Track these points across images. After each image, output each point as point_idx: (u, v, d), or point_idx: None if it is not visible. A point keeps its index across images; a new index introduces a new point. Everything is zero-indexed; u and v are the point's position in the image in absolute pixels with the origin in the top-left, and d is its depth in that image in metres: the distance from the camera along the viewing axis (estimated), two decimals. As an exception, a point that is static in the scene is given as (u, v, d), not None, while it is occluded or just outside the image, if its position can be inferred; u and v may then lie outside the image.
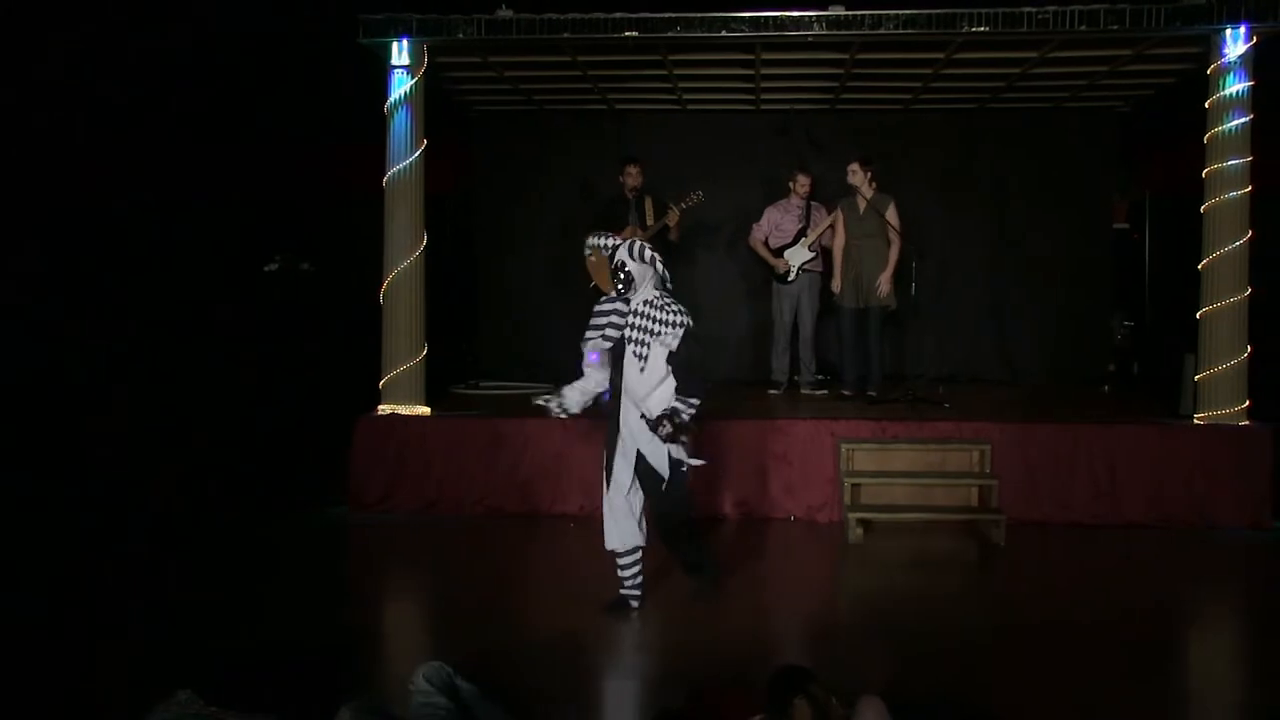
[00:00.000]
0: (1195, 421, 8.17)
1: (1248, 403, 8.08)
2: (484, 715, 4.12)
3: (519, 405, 9.23)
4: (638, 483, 5.78)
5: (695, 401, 5.58)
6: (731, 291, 11.03)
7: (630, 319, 5.71)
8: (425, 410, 8.53)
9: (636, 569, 5.95)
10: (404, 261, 8.42)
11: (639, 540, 5.86)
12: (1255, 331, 8.14)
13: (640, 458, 5.73)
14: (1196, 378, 8.25)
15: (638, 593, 5.99)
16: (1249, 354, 8.06)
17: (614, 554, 5.93)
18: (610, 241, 5.88)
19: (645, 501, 5.84)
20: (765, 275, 10.05)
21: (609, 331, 5.75)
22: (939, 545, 7.54)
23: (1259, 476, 7.83)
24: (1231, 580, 7.08)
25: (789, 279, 9.70)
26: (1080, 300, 10.86)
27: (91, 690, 4.76)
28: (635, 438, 5.71)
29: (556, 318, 10.96)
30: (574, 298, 10.04)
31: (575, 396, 5.99)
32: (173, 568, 6.85)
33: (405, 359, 8.47)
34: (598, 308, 5.87)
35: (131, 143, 11.01)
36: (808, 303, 9.72)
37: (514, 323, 11.20)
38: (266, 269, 12.11)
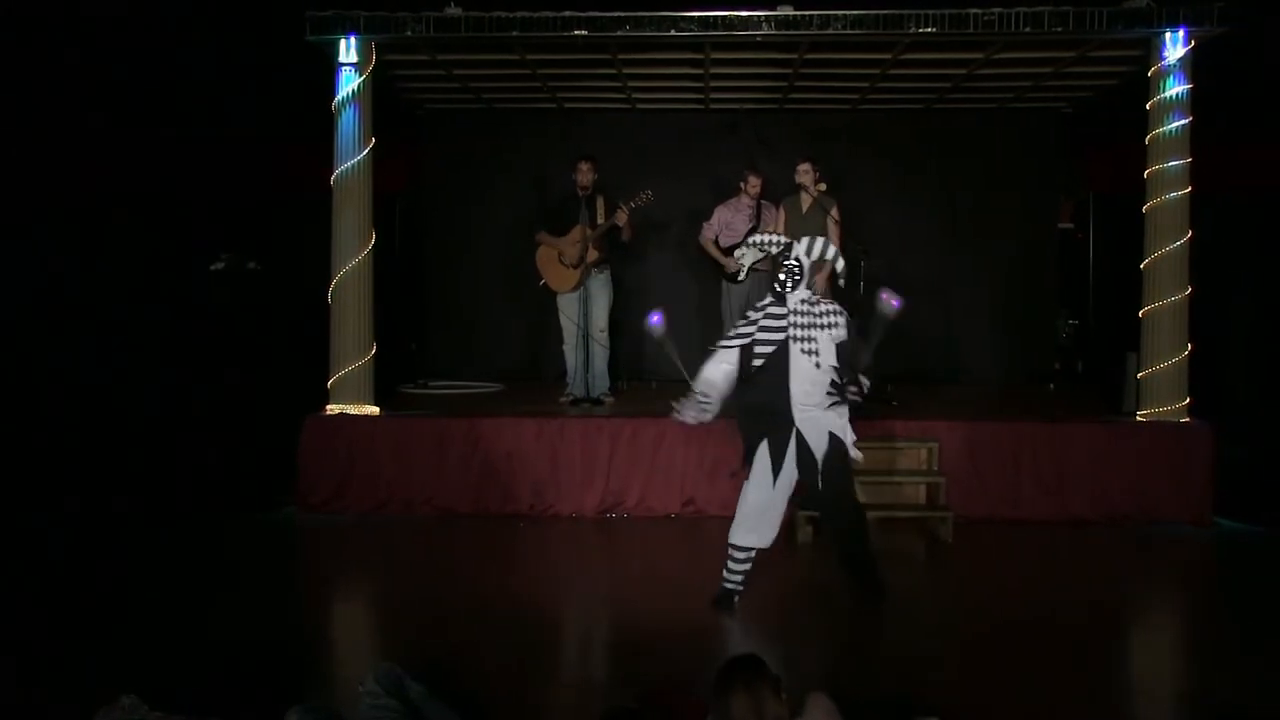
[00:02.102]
0: (1138, 419, 8.29)
1: (1188, 400, 8.21)
2: (434, 716, 4.11)
3: (469, 405, 9.24)
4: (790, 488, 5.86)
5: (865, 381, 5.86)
6: (681, 291, 11.04)
7: (791, 318, 5.82)
8: (374, 410, 8.48)
9: (749, 566, 5.97)
10: (352, 260, 8.36)
11: (768, 543, 5.91)
12: (1196, 330, 8.26)
13: (814, 461, 5.80)
14: (1139, 376, 8.37)
15: (742, 587, 6.00)
16: (1189, 352, 8.19)
17: (734, 548, 5.93)
18: (776, 238, 6.04)
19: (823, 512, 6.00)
20: (715, 274, 10.06)
21: (742, 338, 5.92)
22: (887, 543, 7.57)
23: (1200, 473, 7.96)
24: (1174, 576, 7.19)
25: (739, 278, 9.72)
26: (1026, 299, 10.98)
27: (33, 696, 4.68)
28: (814, 440, 5.79)
29: (506, 316, 10.97)
30: (524, 296, 10.04)
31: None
32: (117, 568, 6.77)
33: (353, 358, 8.41)
34: (751, 315, 6.01)
35: (76, 140, 10.86)
36: (757, 302, 9.74)
37: (464, 322, 11.16)
38: (213, 268, 11.98)
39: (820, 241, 5.91)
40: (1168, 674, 5.50)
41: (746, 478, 5.91)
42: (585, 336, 9.00)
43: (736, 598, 5.99)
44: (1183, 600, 6.77)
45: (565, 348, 9.24)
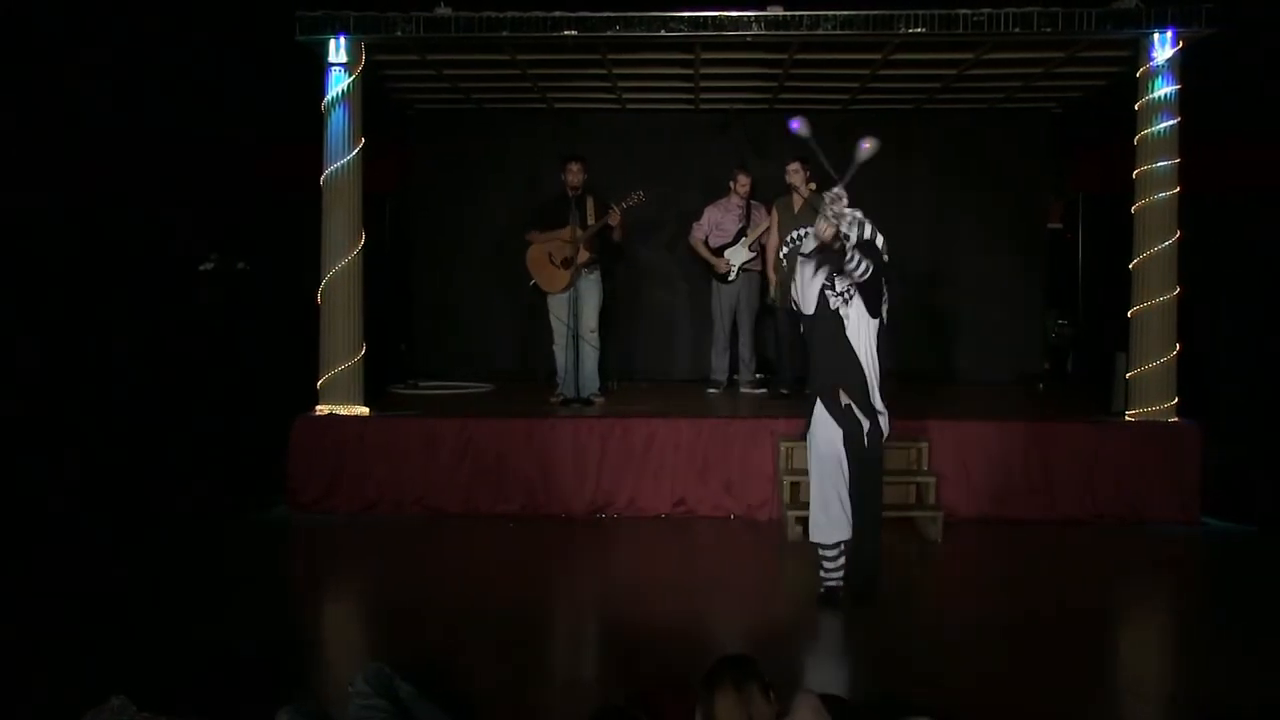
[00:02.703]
0: (1126, 418, 8.31)
1: (1176, 400, 8.23)
2: (424, 716, 4.11)
3: (459, 405, 9.24)
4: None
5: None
6: (671, 291, 11.06)
7: (845, 295, 5.87)
8: (364, 410, 8.46)
9: (842, 559, 6.00)
10: (341, 261, 8.34)
11: (849, 533, 5.94)
12: (1185, 330, 8.28)
13: (863, 447, 5.87)
14: (1128, 375, 8.39)
15: (843, 581, 6.03)
16: (1178, 352, 8.21)
17: (822, 547, 5.99)
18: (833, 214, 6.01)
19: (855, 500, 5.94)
20: (705, 274, 10.08)
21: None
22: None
23: (1188, 472, 7.98)
24: (1162, 575, 7.20)
25: (729, 278, 9.75)
26: (1015, 299, 10.99)
27: (21, 697, 4.67)
28: (867, 424, 5.88)
29: (496, 317, 10.97)
30: (514, 297, 10.05)
31: None
32: (108, 569, 6.75)
33: (343, 359, 8.40)
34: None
35: (66, 140, 10.83)
36: (747, 302, 9.78)
37: (454, 322, 11.15)
38: (202, 268, 11.96)
39: (858, 223, 5.94)
40: (1156, 673, 5.52)
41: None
42: (575, 337, 9.00)
43: (841, 592, 6.02)
44: (1171, 599, 6.79)
45: (555, 348, 9.23)
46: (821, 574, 6.04)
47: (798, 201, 9.02)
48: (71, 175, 11.01)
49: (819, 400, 5.95)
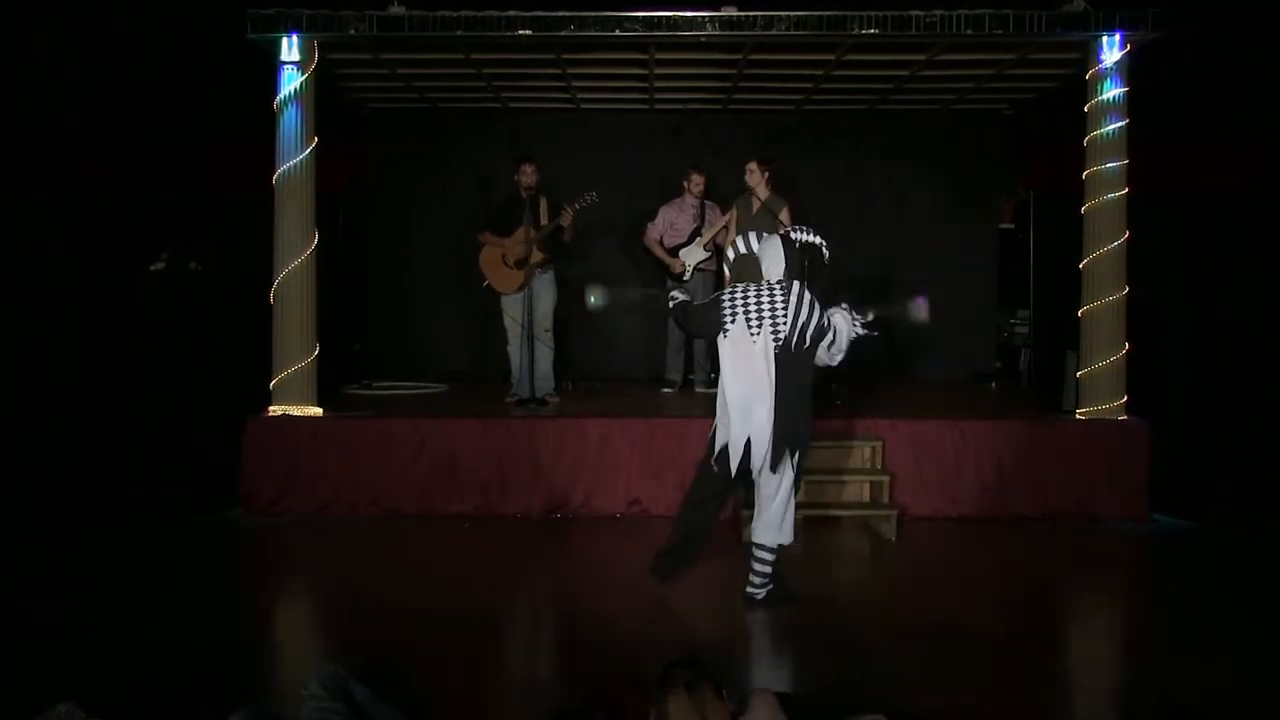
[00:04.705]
0: (1077, 417, 8.40)
1: (1125, 398, 8.33)
2: (380, 718, 4.08)
3: (413, 405, 9.20)
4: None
5: None
6: (626, 290, 11.04)
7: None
8: (317, 411, 8.40)
9: None
10: (294, 260, 8.27)
11: None
12: (1134, 328, 8.39)
13: None
14: (1078, 374, 8.48)
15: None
16: (1127, 351, 8.31)
17: (770, 550, 6.01)
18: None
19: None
20: (660, 274, 10.08)
21: None
22: (832, 541, 7.65)
23: (1136, 470, 8.09)
24: (1112, 572, 7.29)
25: (684, 278, 9.76)
26: (968, 299, 11.07)
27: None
28: None
29: (451, 317, 10.93)
30: (468, 297, 10.01)
31: None
32: (57, 572, 6.66)
33: (296, 359, 8.33)
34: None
35: (14, 136, 10.67)
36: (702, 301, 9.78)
37: (408, 322, 11.10)
38: (153, 267, 11.83)
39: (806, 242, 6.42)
40: (1105, 669, 5.57)
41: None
42: (530, 337, 8.97)
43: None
44: (1120, 596, 6.88)
45: (510, 348, 9.21)
46: (760, 580, 6.03)
47: (756, 203, 9.02)
48: (17, 173, 10.85)
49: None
